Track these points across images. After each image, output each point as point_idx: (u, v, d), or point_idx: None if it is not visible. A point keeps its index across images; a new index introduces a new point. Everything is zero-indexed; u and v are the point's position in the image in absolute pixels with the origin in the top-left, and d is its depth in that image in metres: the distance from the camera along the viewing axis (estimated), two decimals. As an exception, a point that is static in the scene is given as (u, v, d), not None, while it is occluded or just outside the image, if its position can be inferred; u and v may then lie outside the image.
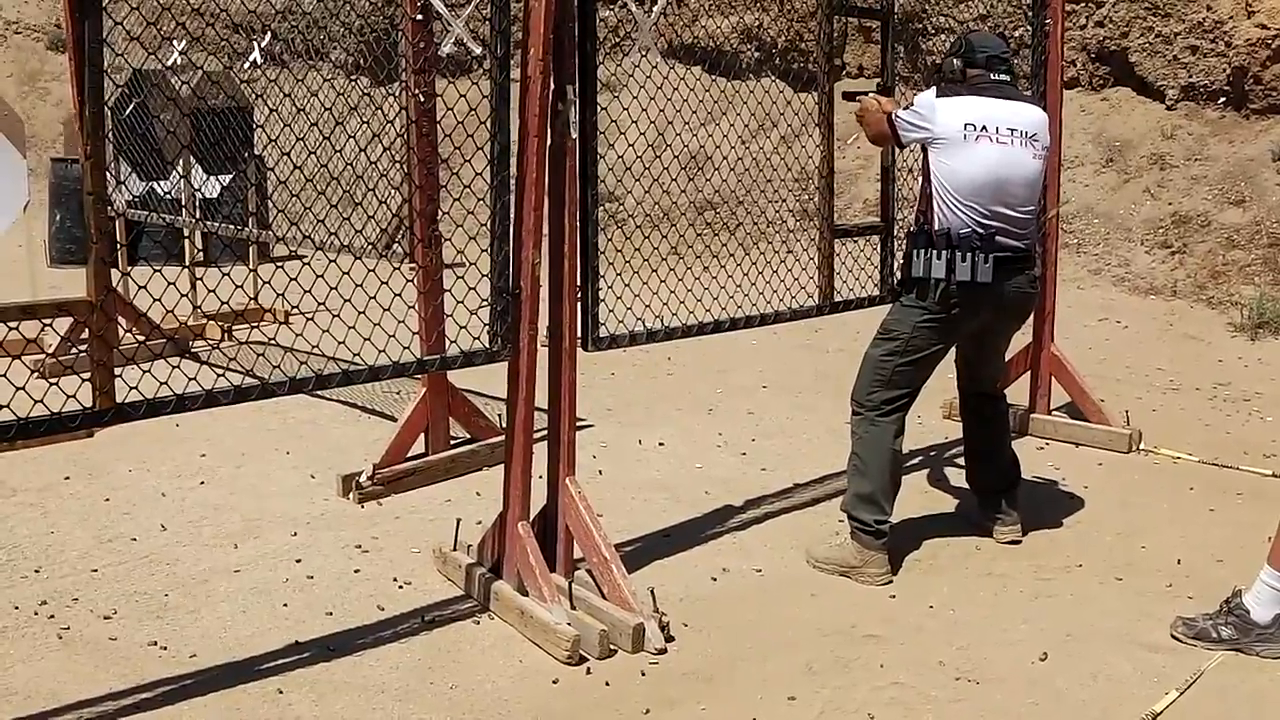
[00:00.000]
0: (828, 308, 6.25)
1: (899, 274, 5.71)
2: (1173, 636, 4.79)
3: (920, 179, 5.70)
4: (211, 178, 10.37)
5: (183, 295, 4.91)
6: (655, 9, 7.31)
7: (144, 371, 4.15)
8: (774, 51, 14.92)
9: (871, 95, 5.94)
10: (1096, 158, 12.63)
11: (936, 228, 5.41)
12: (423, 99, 6.02)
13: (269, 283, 4.89)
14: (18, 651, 4.63)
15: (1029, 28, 7.83)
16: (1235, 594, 4.74)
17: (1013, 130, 5.46)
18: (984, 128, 5.41)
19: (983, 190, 5.39)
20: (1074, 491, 6.58)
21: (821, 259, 6.24)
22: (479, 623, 4.92)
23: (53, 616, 4.93)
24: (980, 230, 5.39)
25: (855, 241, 6.55)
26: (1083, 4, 13.00)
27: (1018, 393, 7.70)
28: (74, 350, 8.43)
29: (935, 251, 5.38)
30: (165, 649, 4.68)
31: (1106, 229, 12.07)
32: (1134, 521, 6.13)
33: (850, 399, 5.62)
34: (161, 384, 4.17)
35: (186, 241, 10.71)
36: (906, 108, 5.57)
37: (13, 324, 4.71)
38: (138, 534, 5.81)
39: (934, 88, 5.56)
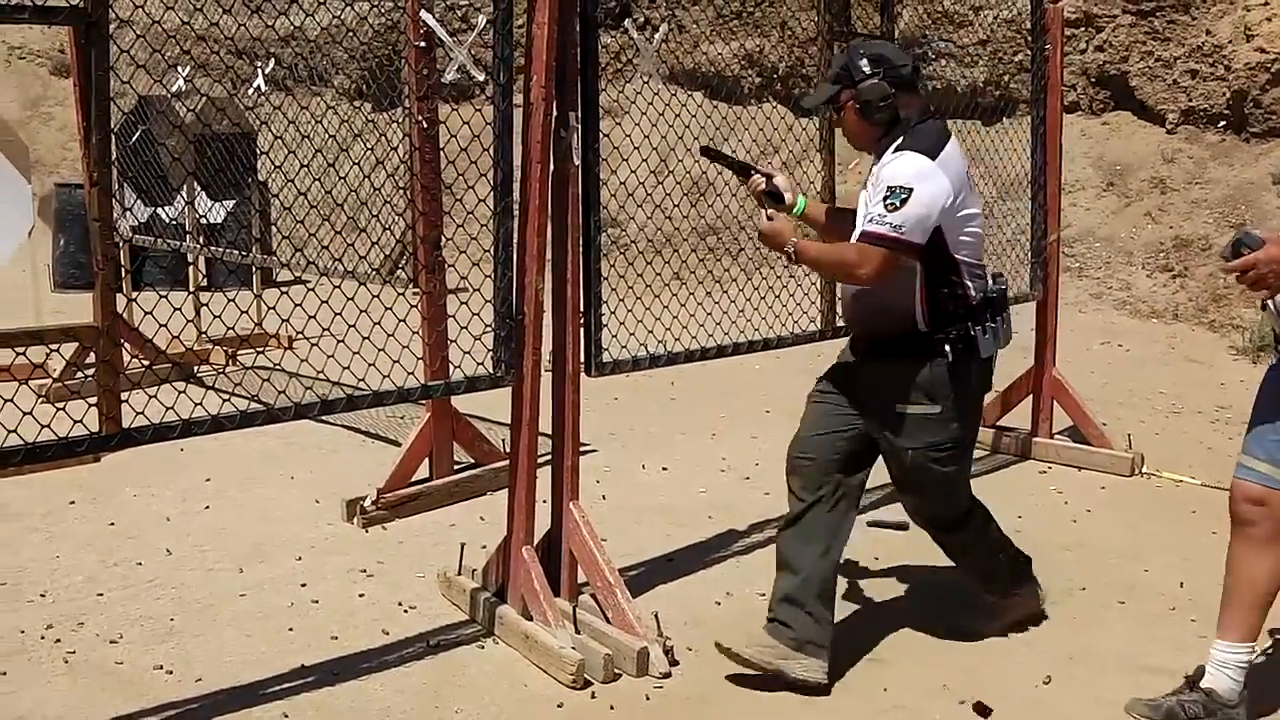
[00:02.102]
0: (830, 332, 6.28)
1: (928, 383, 4.53)
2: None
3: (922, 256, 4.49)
4: (215, 203, 10.40)
5: (189, 321, 4.96)
6: (657, 35, 7.33)
7: (150, 396, 4.17)
8: (775, 77, 14.97)
9: (768, 211, 4.81)
10: (1097, 181, 12.67)
11: (973, 298, 4.57)
12: (426, 125, 6.06)
13: (274, 308, 4.93)
14: (24, 676, 4.64)
15: (1029, 52, 7.86)
16: (1198, 672, 4.33)
17: (968, 168, 4.65)
18: (968, 171, 4.59)
19: (980, 240, 4.65)
20: (1076, 515, 6.59)
21: (823, 283, 6.27)
22: (484, 647, 4.94)
23: (59, 640, 4.94)
24: (987, 287, 4.66)
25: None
26: (1083, 28, 13.06)
27: (1020, 417, 7.73)
28: (79, 375, 8.47)
29: (982, 327, 4.55)
30: (171, 673, 4.69)
31: (1107, 253, 12.10)
32: (1136, 545, 6.14)
33: (935, 530, 4.99)
34: (167, 409, 4.20)
35: (191, 267, 10.75)
36: (888, 200, 4.32)
37: (19, 349, 4.73)
38: (143, 558, 5.82)
39: (909, 152, 4.41)
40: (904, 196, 4.29)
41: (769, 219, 4.67)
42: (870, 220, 4.35)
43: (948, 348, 4.49)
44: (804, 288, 6.22)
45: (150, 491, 6.76)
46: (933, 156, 4.38)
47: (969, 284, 4.54)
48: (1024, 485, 7.10)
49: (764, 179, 4.97)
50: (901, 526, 6.22)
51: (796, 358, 9.55)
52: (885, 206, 4.31)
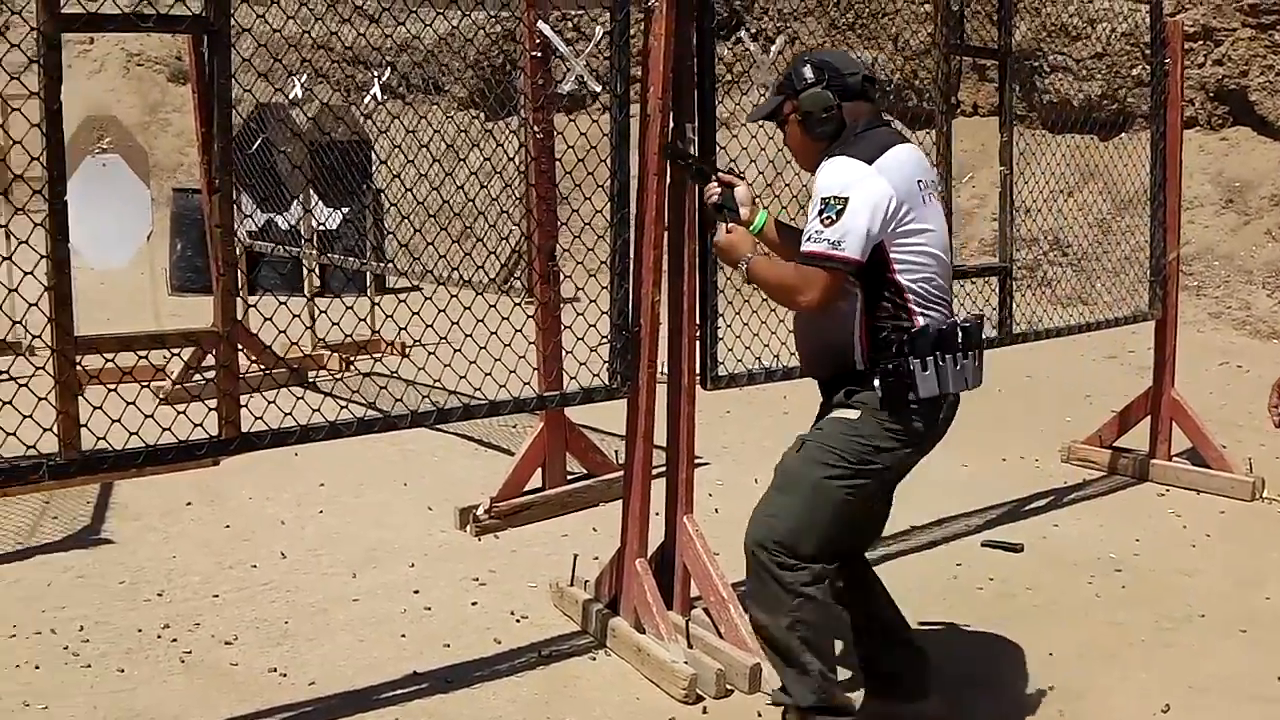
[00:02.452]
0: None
1: (874, 391, 4.00)
2: None
3: (862, 281, 3.95)
4: (332, 210, 10.51)
5: (307, 328, 5.00)
6: (774, 47, 7.31)
7: (268, 401, 4.21)
8: (888, 89, 14.88)
9: (727, 225, 4.28)
10: (1216, 198, 12.45)
11: (923, 327, 3.96)
12: (542, 135, 6.08)
13: (391, 316, 4.96)
14: (141, 674, 4.72)
15: (1146, 66, 7.74)
16: None
17: (930, 181, 4.11)
18: (921, 182, 4.02)
19: (944, 263, 4.10)
20: (1195, 540, 6.45)
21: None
22: (595, 659, 4.94)
23: (175, 640, 5.01)
24: (952, 318, 4.11)
25: (973, 282, 6.49)
26: (1201, 42, 12.83)
27: (1137, 438, 7.59)
28: (196, 377, 8.58)
29: (922, 362, 3.93)
30: (285, 676, 4.74)
31: (1227, 271, 11.89)
32: (1257, 571, 6.00)
33: (774, 545, 4.06)
34: (285, 414, 4.24)
35: (307, 273, 10.86)
36: (824, 214, 3.86)
37: (141, 352, 4.79)
38: (258, 561, 5.89)
39: (840, 157, 3.95)
40: (839, 208, 3.82)
41: (728, 231, 4.26)
42: (809, 239, 3.88)
43: (877, 382, 3.96)
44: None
45: (265, 495, 6.84)
46: (869, 161, 3.89)
47: (919, 319, 3.96)
48: (1141, 508, 6.97)
49: (720, 189, 4.39)
50: (1016, 548, 6.14)
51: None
52: (821, 221, 3.85)
